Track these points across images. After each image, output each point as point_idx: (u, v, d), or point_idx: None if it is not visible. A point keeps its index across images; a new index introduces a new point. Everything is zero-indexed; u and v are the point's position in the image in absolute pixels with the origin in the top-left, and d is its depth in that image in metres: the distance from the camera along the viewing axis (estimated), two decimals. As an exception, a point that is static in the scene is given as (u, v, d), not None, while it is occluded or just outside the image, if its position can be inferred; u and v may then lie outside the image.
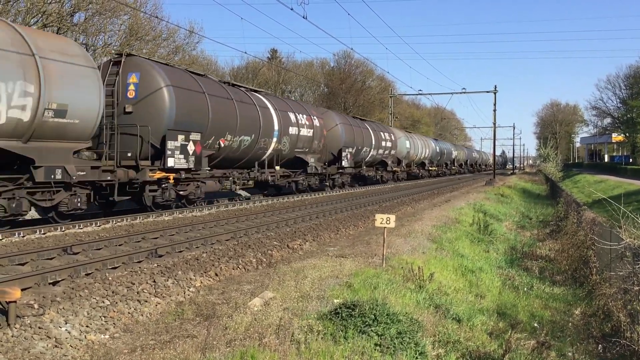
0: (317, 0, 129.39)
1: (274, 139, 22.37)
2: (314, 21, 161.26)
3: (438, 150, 56.85)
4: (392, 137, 40.35)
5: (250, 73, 57.95)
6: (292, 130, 24.04)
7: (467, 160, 79.41)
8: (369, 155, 35.14)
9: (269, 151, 22.24)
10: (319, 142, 26.73)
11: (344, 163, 29.67)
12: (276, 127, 22.50)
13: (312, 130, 25.93)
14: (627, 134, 75.50)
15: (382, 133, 38.21)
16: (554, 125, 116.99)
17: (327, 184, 29.16)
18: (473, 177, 65.87)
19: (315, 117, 26.89)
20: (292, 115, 24.36)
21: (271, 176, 22.72)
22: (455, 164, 69.12)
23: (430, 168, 53.65)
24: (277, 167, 23.19)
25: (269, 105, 22.52)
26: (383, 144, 37.71)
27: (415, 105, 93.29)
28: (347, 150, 30.08)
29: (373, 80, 67.62)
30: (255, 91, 23.28)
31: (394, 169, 40.76)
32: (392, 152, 40.03)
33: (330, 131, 29.13)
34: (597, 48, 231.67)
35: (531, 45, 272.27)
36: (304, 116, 25.67)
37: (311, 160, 25.70)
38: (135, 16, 30.69)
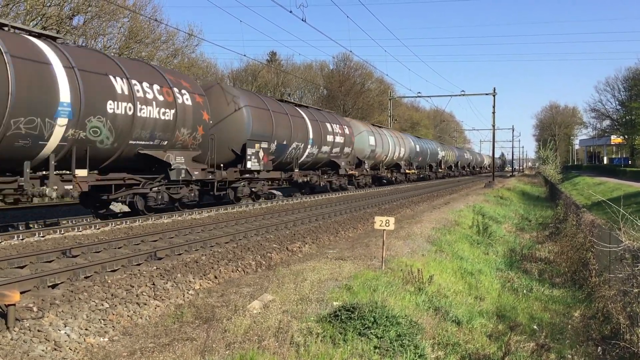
0: (316, 3, 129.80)
1: (61, 120, 12.54)
2: (313, 24, 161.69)
3: (419, 149, 48.68)
4: (346, 130, 31.12)
5: (249, 75, 58.13)
6: (117, 107, 14.02)
7: (457, 162, 71.59)
8: (306, 154, 25.84)
9: (54, 144, 12.68)
10: (193, 132, 17.25)
11: (251, 164, 20.46)
12: (66, 97, 12.59)
13: (173, 112, 16.14)
14: (626, 136, 75.65)
15: (328, 124, 28.42)
16: (553, 127, 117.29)
17: (226, 195, 20.55)
18: (472, 179, 65.90)
19: (183, 92, 16.94)
20: (116, 81, 14.22)
21: (52, 188, 12.58)
22: (443, 166, 61.09)
23: (407, 171, 45.06)
24: (81, 172, 13.44)
25: (47, 55, 12.54)
26: (329, 138, 28.07)
27: (414, 107, 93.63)
28: (256, 145, 20.85)
29: (372, 82, 67.85)
30: None
31: (350, 172, 31.62)
32: (347, 149, 30.99)
33: (231, 117, 20.19)
34: (596, 50, 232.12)
35: (530, 48, 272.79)
36: (154, 87, 15.64)
37: (177, 160, 16.62)
38: (135, 19, 30.76)
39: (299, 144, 24.86)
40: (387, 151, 38.81)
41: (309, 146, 25.90)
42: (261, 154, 21.19)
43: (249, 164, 20.40)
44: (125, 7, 29.51)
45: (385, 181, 40.30)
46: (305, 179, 26.64)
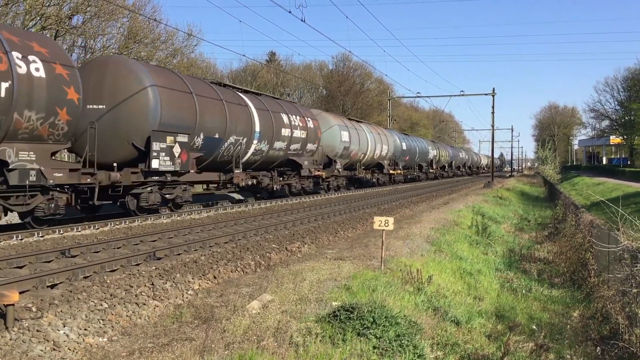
0: (316, 3, 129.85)
1: None
2: (312, 24, 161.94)
3: (405, 147, 43.74)
4: (310, 123, 26.00)
5: (249, 76, 58.17)
6: None
7: (452, 162, 67.04)
8: (251, 151, 20.93)
9: None
10: (50, 117, 12.31)
11: (159, 163, 15.57)
12: None
13: (6, 86, 11.25)
14: (625, 137, 75.76)
15: (284, 115, 23.45)
16: (552, 127, 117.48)
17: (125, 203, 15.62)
18: (471, 179, 65.93)
19: (32, 59, 11.98)
20: None
21: None
22: (435, 166, 56.32)
23: (392, 171, 40.23)
24: None
25: None
26: (285, 132, 23.17)
27: (413, 107, 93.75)
28: (169, 138, 15.87)
29: (371, 82, 67.95)
30: None
31: (316, 173, 26.56)
32: (311, 146, 26.03)
33: (130, 100, 15.30)
34: (595, 50, 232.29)
35: (530, 48, 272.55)
36: None
37: (20, 156, 11.81)
38: (134, 19, 30.75)
39: (239, 139, 19.72)
40: (365, 149, 33.97)
41: (255, 141, 20.88)
42: (177, 149, 16.18)
43: (155, 163, 15.37)
44: (125, 7, 29.51)
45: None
46: (252, 182, 21.65)
